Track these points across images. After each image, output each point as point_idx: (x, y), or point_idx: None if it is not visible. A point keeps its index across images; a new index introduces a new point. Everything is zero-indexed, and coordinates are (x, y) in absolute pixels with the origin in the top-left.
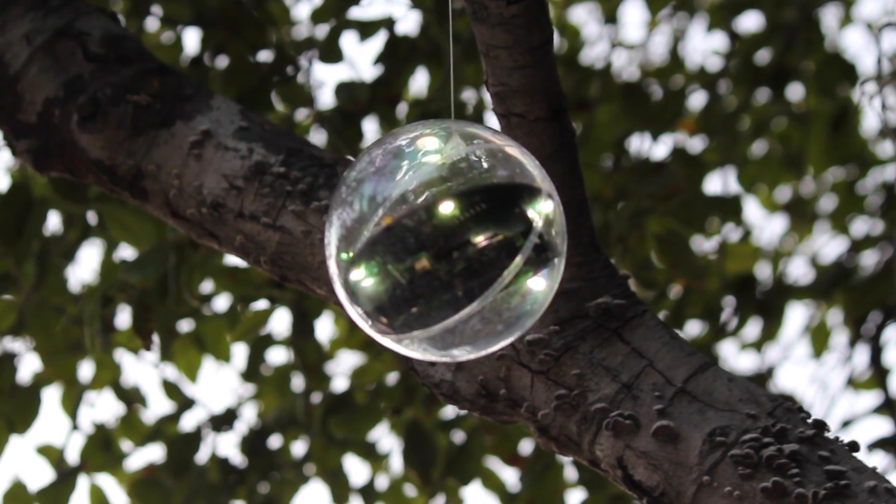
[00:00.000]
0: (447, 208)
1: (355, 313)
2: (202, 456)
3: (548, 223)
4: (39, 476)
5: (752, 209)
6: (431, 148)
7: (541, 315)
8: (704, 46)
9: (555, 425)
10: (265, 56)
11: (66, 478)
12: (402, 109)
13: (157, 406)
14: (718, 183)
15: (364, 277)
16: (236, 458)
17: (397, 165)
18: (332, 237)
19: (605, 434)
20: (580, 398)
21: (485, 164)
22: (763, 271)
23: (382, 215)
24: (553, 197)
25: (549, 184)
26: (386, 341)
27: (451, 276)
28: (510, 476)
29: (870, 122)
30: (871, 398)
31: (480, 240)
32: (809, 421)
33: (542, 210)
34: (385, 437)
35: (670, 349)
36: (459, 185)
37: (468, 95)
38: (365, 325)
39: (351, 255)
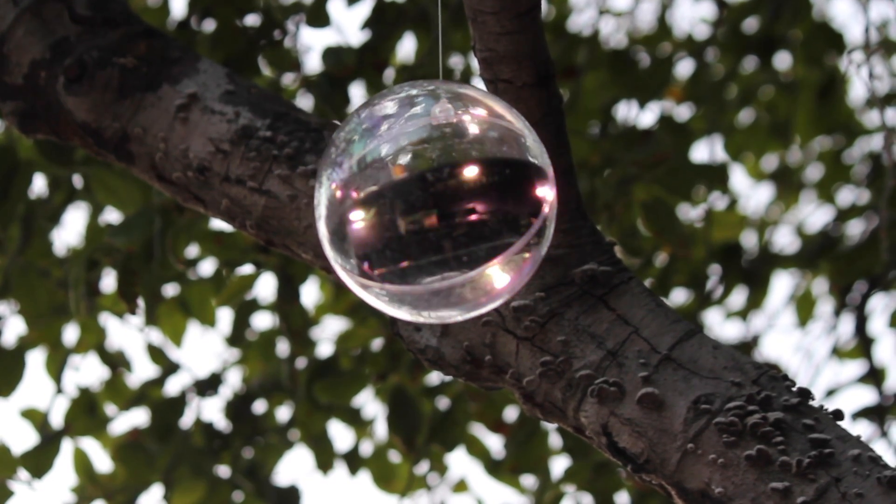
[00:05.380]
0: (454, 172)
1: (338, 259)
2: (186, 420)
3: (550, 209)
4: (23, 440)
5: (739, 178)
6: (425, 108)
7: (509, 297)
8: (692, 14)
9: (540, 392)
10: (252, 20)
11: (50, 441)
12: (389, 75)
13: (142, 370)
14: (705, 151)
15: (357, 223)
16: (221, 422)
17: (390, 125)
18: (321, 197)
19: (589, 401)
20: (565, 365)
21: (489, 133)
22: (749, 240)
23: (378, 170)
24: (555, 185)
25: (552, 168)
26: (362, 292)
27: (448, 239)
28: (495, 443)
29: (857, 91)
30: (856, 367)
31: (486, 210)
32: (794, 389)
33: (549, 197)
34: (370, 403)
35: (656, 316)
36: (458, 150)
37: (455, 61)
38: (345, 272)
39: (345, 200)
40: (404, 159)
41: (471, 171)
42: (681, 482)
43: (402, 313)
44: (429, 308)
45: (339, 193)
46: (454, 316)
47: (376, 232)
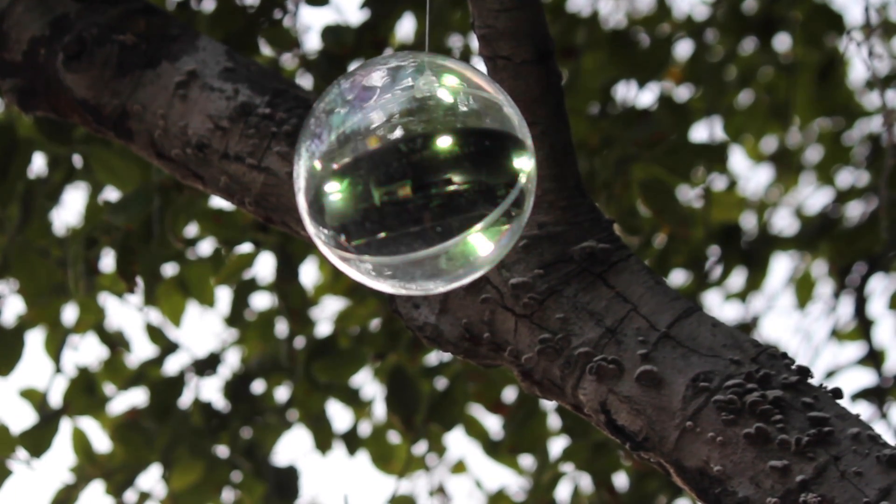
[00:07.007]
0: (431, 143)
1: (317, 232)
2: (185, 400)
3: (528, 180)
4: (22, 419)
5: (738, 159)
6: (405, 80)
7: (489, 269)
8: None
9: (538, 369)
10: None
11: (48, 421)
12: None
13: (141, 350)
14: (704, 132)
15: (334, 195)
16: (219, 402)
17: (369, 97)
18: (300, 169)
19: (588, 378)
20: (564, 342)
21: (468, 105)
22: (748, 221)
23: (356, 141)
24: (534, 155)
25: (530, 139)
26: (341, 264)
27: (424, 210)
28: (493, 423)
29: (856, 73)
30: (855, 349)
31: (462, 181)
32: (793, 367)
33: (526, 167)
34: (368, 384)
35: (654, 294)
36: (436, 121)
37: (454, 40)
38: (323, 243)
39: (323, 172)
40: (383, 130)
41: (446, 142)
42: (679, 460)
43: (385, 285)
44: (411, 280)
45: (317, 165)
46: (435, 287)
47: (353, 203)
